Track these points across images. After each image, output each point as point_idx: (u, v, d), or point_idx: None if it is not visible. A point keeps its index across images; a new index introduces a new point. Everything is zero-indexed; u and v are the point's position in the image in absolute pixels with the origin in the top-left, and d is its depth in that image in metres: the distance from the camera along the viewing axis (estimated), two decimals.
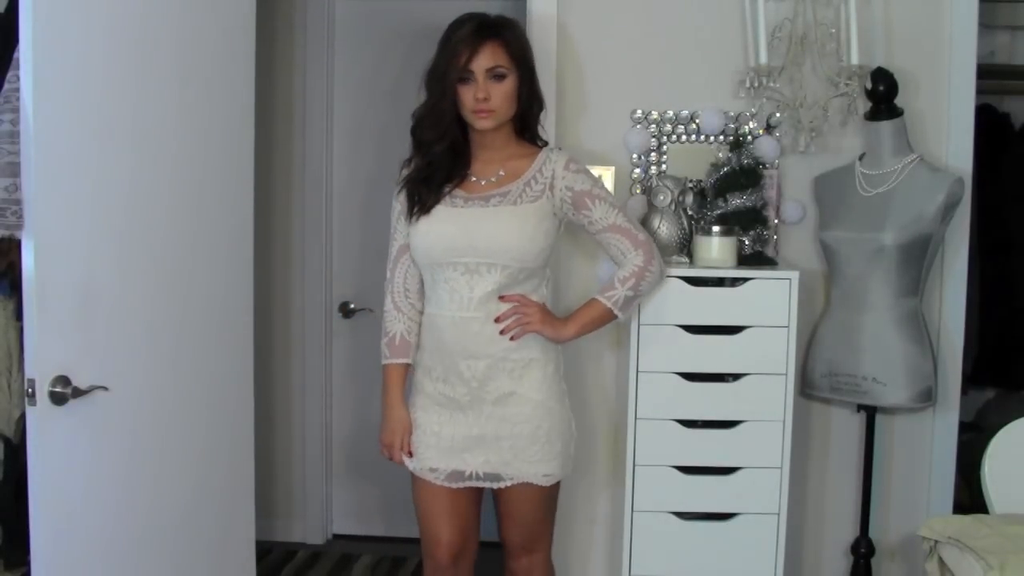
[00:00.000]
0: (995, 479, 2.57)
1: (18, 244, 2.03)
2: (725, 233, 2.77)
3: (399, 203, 2.45)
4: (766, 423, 2.71)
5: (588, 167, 3.06)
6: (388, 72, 3.92)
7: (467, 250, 2.32)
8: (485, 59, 2.30)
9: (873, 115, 2.80)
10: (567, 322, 2.41)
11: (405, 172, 2.44)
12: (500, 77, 2.31)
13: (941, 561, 2.39)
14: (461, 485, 2.39)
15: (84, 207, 2.01)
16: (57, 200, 1.93)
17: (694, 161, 2.98)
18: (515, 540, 2.50)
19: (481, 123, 2.33)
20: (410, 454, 2.42)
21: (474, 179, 2.40)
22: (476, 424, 2.37)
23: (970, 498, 3.10)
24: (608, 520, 3.12)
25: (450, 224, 2.34)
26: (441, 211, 2.36)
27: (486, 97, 2.30)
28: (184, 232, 2.38)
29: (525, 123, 2.43)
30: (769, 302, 2.70)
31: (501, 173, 2.39)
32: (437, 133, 2.36)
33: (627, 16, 3.02)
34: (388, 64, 3.92)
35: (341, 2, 3.94)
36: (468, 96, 2.31)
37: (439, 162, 2.38)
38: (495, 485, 2.40)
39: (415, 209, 2.38)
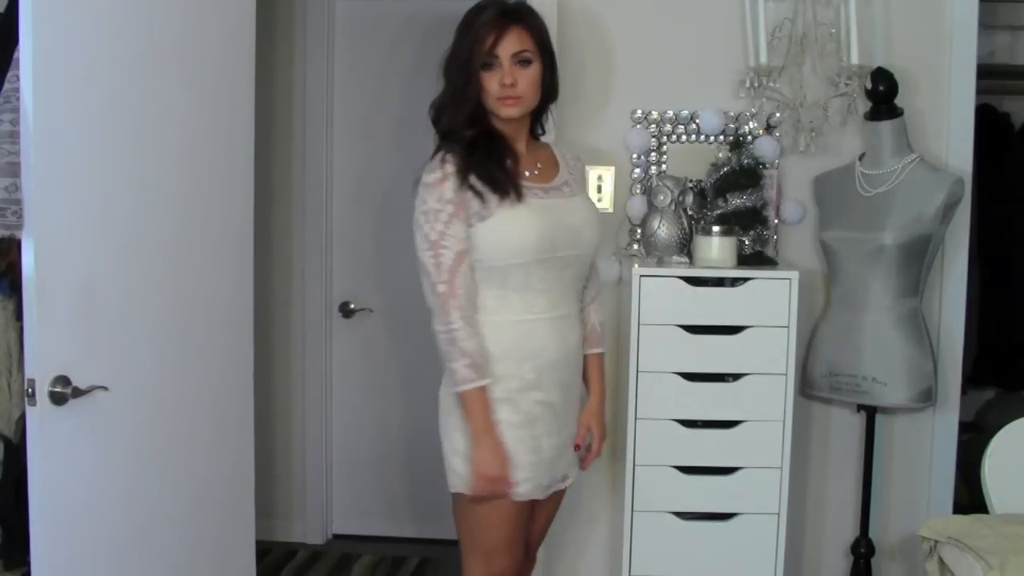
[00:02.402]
0: (995, 479, 2.57)
1: (18, 244, 2.03)
2: (725, 233, 2.77)
3: (452, 205, 2.11)
4: (766, 423, 2.71)
5: (588, 167, 3.10)
6: (389, 72, 3.92)
7: (562, 243, 2.18)
8: (511, 43, 2.15)
9: (873, 115, 2.80)
10: (600, 399, 2.39)
11: (449, 168, 2.12)
12: (526, 63, 2.17)
13: (941, 561, 2.39)
14: (546, 494, 2.26)
15: (84, 207, 2.01)
16: (57, 200, 1.92)
17: (694, 161, 2.98)
18: (534, 542, 2.41)
19: (507, 111, 2.18)
20: (510, 484, 2.16)
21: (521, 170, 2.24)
22: (566, 426, 2.27)
23: (970, 498, 3.10)
24: (608, 520, 3.12)
25: (545, 217, 2.16)
26: (531, 203, 2.17)
27: (513, 83, 2.15)
28: (184, 232, 2.37)
29: (538, 114, 2.31)
30: (769, 302, 2.70)
31: (539, 165, 2.28)
32: (463, 120, 2.17)
33: (627, 16, 3.02)
34: (389, 64, 3.92)
35: (341, 2, 3.94)
36: (493, 82, 2.15)
37: (484, 147, 2.17)
38: (563, 485, 2.31)
39: (498, 199, 2.12)
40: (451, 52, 2.20)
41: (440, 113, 2.21)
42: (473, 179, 2.12)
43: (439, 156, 2.15)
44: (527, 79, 2.17)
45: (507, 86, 2.15)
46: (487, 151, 2.16)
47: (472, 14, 2.19)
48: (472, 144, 2.15)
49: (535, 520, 2.35)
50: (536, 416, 2.18)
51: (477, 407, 2.11)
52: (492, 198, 2.12)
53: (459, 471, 2.17)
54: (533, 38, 2.19)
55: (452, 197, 2.11)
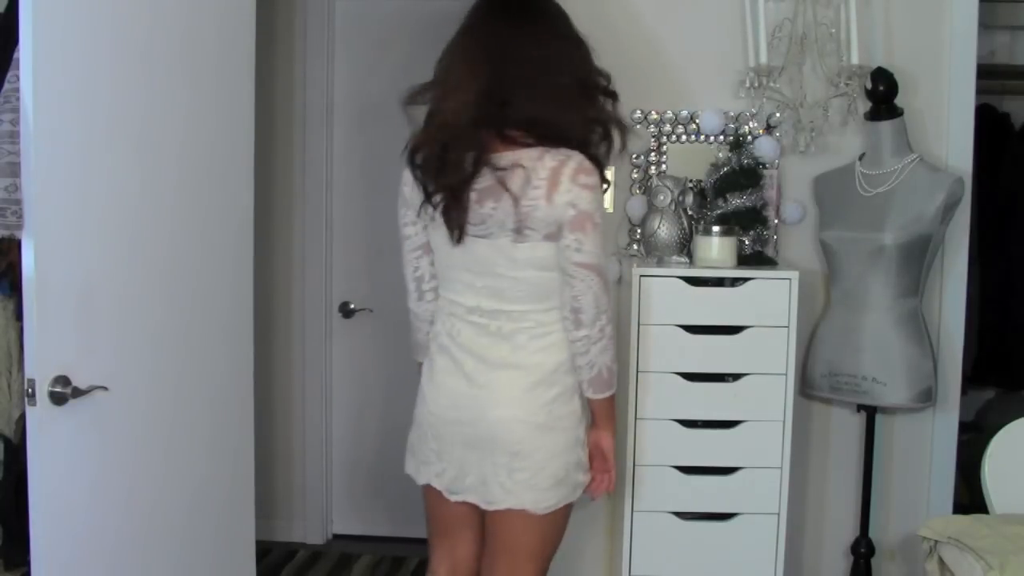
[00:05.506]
0: (995, 479, 2.58)
1: (18, 244, 2.03)
2: (725, 233, 2.77)
3: None
4: (766, 423, 2.71)
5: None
6: (388, 72, 3.92)
7: None
8: None
9: (873, 115, 2.80)
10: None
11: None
12: None
13: (941, 561, 2.39)
14: None
15: (84, 207, 2.01)
16: (57, 200, 1.92)
17: (694, 161, 2.98)
18: None
19: None
20: None
21: None
22: None
23: (970, 498, 3.10)
24: (608, 520, 3.12)
25: None
26: None
27: None
28: (184, 232, 2.37)
29: None
30: (769, 302, 2.70)
31: None
32: None
33: (626, 15, 3.02)
34: (388, 64, 3.92)
35: (341, 2, 3.95)
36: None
37: None
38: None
39: None
40: (583, 52, 2.21)
41: (603, 115, 2.14)
42: None
43: (584, 159, 2.06)
44: None
45: None
46: None
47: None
48: None
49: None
50: None
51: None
52: None
53: (584, 480, 2.23)
54: None
55: None
